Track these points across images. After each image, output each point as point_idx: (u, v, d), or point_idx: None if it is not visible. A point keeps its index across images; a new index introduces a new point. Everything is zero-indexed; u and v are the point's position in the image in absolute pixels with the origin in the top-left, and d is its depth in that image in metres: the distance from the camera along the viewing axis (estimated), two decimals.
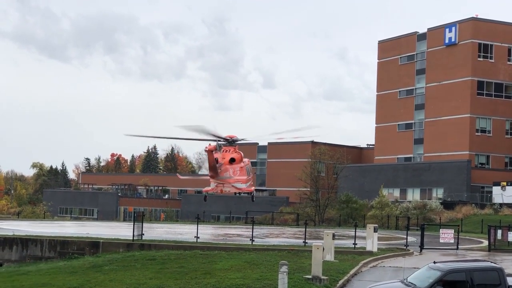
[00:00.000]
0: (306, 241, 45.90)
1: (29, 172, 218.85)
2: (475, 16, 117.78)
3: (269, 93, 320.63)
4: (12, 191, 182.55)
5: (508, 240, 52.93)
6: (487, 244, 52.00)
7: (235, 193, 45.28)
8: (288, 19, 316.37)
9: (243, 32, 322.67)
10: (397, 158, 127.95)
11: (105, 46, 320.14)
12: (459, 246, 49.04)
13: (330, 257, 38.44)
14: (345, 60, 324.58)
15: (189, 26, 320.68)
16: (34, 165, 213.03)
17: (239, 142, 43.67)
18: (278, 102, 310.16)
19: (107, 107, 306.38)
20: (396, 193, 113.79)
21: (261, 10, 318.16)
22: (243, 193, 46.69)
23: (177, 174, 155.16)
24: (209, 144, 39.64)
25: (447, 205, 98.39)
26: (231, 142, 43.27)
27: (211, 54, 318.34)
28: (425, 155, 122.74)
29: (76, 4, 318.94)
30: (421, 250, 47.07)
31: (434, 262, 25.61)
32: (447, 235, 48.28)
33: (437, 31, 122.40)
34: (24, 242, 47.10)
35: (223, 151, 42.52)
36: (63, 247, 45.74)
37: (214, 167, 40.49)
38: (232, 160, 41.98)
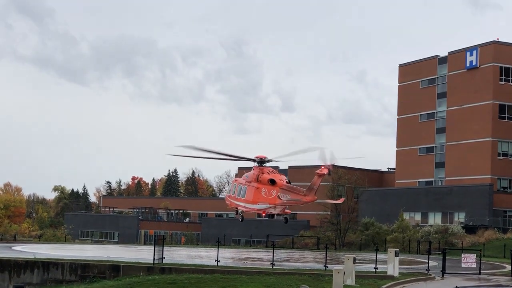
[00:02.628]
0: (327, 265, 45.70)
1: (51, 195, 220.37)
2: (496, 40, 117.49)
3: (288, 116, 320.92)
4: (34, 214, 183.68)
5: None
6: (510, 269, 51.51)
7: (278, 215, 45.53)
8: (307, 42, 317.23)
9: (262, 55, 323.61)
10: (418, 182, 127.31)
11: (124, 69, 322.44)
12: (481, 271, 48.57)
13: (351, 281, 38.24)
14: (364, 83, 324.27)
15: (207, 49, 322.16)
16: (55, 188, 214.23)
17: (268, 163, 43.90)
18: (297, 126, 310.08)
19: (127, 130, 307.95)
20: (418, 217, 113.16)
21: (279, 33, 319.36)
22: (282, 215, 46.84)
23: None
24: (322, 167, 39.12)
25: (469, 229, 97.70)
26: (260, 162, 43.47)
27: (229, 77, 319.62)
28: (446, 179, 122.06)
29: (95, 28, 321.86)
30: (443, 275, 46.68)
31: (457, 287, 25.42)
32: (469, 260, 47.83)
33: (458, 55, 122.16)
34: (46, 265, 47.21)
35: (267, 172, 42.65)
36: (84, 271, 45.81)
37: (315, 190, 40.33)
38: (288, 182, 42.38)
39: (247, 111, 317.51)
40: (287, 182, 42.48)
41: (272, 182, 41.63)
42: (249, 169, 47.44)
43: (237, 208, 46.44)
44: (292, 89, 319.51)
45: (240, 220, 48.02)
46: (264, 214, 45.21)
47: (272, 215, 46.24)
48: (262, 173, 42.82)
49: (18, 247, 69.81)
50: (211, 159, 46.72)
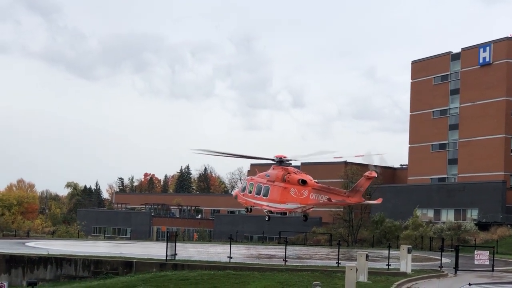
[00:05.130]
0: (339, 261, 45.66)
1: (64, 192, 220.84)
2: (510, 36, 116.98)
3: (298, 113, 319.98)
4: (47, 211, 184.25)
5: None
6: None
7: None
8: (316, 37, 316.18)
9: (271, 51, 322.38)
10: (431, 178, 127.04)
11: (133, 65, 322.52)
12: (494, 268, 48.38)
13: (363, 278, 38.21)
14: (374, 79, 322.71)
15: (216, 45, 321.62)
16: (68, 185, 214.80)
17: (288, 162, 43.79)
18: (308, 122, 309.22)
19: (137, 126, 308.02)
20: (430, 213, 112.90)
21: (288, 29, 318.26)
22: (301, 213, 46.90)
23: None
24: (372, 171, 38.71)
25: (482, 226, 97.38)
26: (280, 162, 43.40)
27: (239, 73, 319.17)
28: (459, 175, 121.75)
29: (104, 24, 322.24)
30: (455, 272, 46.55)
31: (470, 284, 25.36)
32: (482, 257, 47.63)
33: (471, 51, 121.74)
34: (59, 261, 47.44)
35: (294, 172, 42.50)
36: (96, 267, 45.99)
37: (362, 192, 40.19)
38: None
39: (257, 107, 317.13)
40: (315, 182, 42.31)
41: (303, 182, 41.37)
42: (262, 166, 47.38)
43: (251, 206, 46.16)
44: (302, 85, 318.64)
45: (267, 219, 47.65)
46: (289, 212, 45.14)
47: (284, 212, 46.15)
48: (289, 173, 42.45)
49: (32, 243, 70.16)
50: (228, 156, 46.69)
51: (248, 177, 48.53)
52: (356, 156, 47.67)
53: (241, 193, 46.66)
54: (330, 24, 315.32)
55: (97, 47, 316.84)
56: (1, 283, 27.56)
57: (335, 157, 45.27)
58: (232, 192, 53.85)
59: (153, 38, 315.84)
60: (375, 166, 39.49)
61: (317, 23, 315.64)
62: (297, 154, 43.94)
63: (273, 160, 43.88)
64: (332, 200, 40.36)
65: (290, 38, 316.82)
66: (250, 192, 45.08)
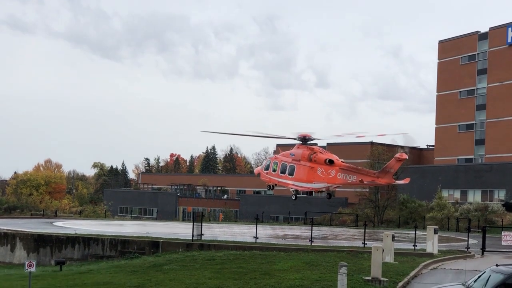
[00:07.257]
0: (365, 242, 45.59)
1: (90, 172, 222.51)
2: None
3: (323, 92, 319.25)
4: (74, 191, 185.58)
5: None
6: None
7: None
8: (340, 17, 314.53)
9: (295, 30, 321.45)
10: (458, 159, 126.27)
11: (157, 45, 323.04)
12: None
13: (389, 258, 38.11)
14: (400, 59, 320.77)
15: (240, 25, 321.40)
16: (95, 165, 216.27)
17: (312, 141, 43.85)
18: (333, 102, 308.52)
19: (162, 106, 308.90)
20: (457, 194, 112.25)
21: (312, 8, 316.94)
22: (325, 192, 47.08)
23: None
24: (402, 153, 38.65)
25: (509, 207, 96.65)
26: (305, 141, 43.43)
27: (263, 53, 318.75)
28: (486, 156, 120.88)
29: (127, 4, 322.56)
30: (482, 253, 46.31)
31: (497, 265, 25.09)
32: (509, 238, 47.32)
33: (499, 30, 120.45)
34: (86, 241, 47.87)
35: (320, 151, 42.58)
36: (124, 246, 46.32)
37: (392, 173, 40.26)
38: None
39: (281, 87, 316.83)
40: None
41: (331, 162, 41.43)
42: (287, 146, 47.34)
43: (274, 184, 46.34)
44: (327, 65, 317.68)
45: (293, 198, 47.69)
46: (316, 191, 45.26)
47: (310, 192, 46.20)
48: (315, 152, 42.50)
49: (59, 223, 70.88)
50: (250, 136, 46.77)
51: (272, 156, 48.66)
52: (379, 135, 47.57)
53: (265, 171, 46.78)
54: (354, 2, 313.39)
55: (121, 27, 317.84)
56: (30, 261, 27.87)
57: (357, 136, 45.14)
58: (254, 170, 53.97)
59: (176, 18, 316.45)
60: (405, 147, 39.43)
61: (341, 2, 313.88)
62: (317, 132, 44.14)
63: (295, 139, 43.93)
64: (364, 182, 40.35)
65: (314, 17, 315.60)
66: (274, 170, 45.24)
